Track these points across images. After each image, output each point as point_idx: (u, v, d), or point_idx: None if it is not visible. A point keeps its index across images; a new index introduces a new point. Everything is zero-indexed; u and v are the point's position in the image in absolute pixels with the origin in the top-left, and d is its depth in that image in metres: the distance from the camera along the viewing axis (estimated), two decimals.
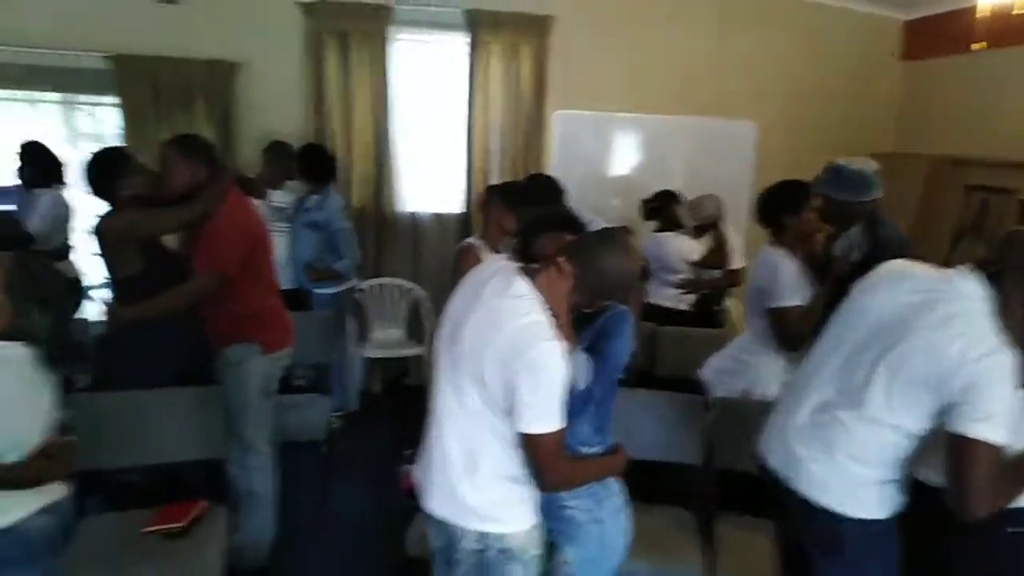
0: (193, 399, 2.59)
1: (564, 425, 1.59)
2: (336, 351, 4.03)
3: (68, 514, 1.84)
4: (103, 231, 2.59)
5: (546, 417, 1.55)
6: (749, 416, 2.39)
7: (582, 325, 1.71)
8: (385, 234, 4.69)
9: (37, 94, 4.41)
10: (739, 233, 4.06)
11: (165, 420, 2.56)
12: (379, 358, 4.65)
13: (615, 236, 1.68)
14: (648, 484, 2.27)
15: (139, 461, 2.58)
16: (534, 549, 1.71)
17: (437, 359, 1.75)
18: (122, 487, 3.04)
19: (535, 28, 4.48)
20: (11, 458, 1.64)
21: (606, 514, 1.79)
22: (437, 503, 1.73)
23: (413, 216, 4.77)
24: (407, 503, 3.23)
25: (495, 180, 4.62)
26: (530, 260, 1.75)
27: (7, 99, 4.41)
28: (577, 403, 1.66)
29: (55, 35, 4.17)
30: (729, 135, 4.84)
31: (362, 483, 3.65)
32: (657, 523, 2.45)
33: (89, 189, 2.64)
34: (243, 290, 2.64)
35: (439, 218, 4.82)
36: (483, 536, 1.66)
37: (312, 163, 3.90)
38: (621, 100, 4.73)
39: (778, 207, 2.54)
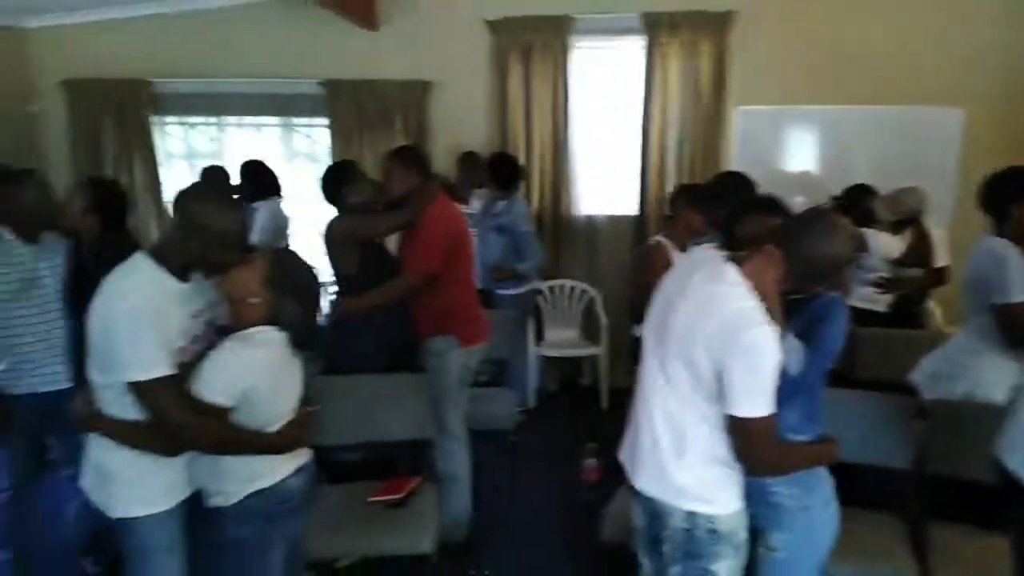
0: (403, 384, 2.85)
1: (774, 411, 1.59)
2: (517, 349, 4.22)
3: (313, 476, 2.11)
4: (329, 234, 2.94)
5: (757, 401, 1.57)
6: (971, 420, 2.23)
7: (793, 311, 1.71)
8: (562, 236, 4.84)
9: (261, 119, 5.06)
10: (942, 229, 3.75)
11: (379, 402, 2.83)
12: (555, 357, 4.79)
13: (824, 217, 1.65)
14: (849, 487, 2.19)
15: (356, 438, 2.86)
16: (743, 532, 1.73)
17: (645, 344, 1.81)
18: (339, 464, 3.41)
19: (714, 24, 4.43)
20: (273, 427, 1.91)
21: (815, 502, 1.77)
22: (645, 481, 1.78)
23: (589, 219, 4.89)
24: (588, 496, 3.36)
25: (671, 181, 4.62)
26: (735, 247, 1.77)
27: (237, 124, 5.10)
28: (787, 389, 1.65)
29: (275, 67, 4.78)
30: (929, 124, 4.47)
31: (546, 473, 3.79)
32: (863, 527, 2.34)
33: (322, 197, 3.01)
34: (445, 288, 2.88)
35: (613, 220, 4.90)
36: (691, 515, 1.70)
37: (501, 171, 4.13)
38: (806, 92, 4.52)
39: (1007, 194, 2.34)
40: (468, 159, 4.34)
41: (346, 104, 4.73)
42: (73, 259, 2.70)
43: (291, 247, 4.42)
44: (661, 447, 1.73)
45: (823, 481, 1.81)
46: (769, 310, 1.59)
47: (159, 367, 1.70)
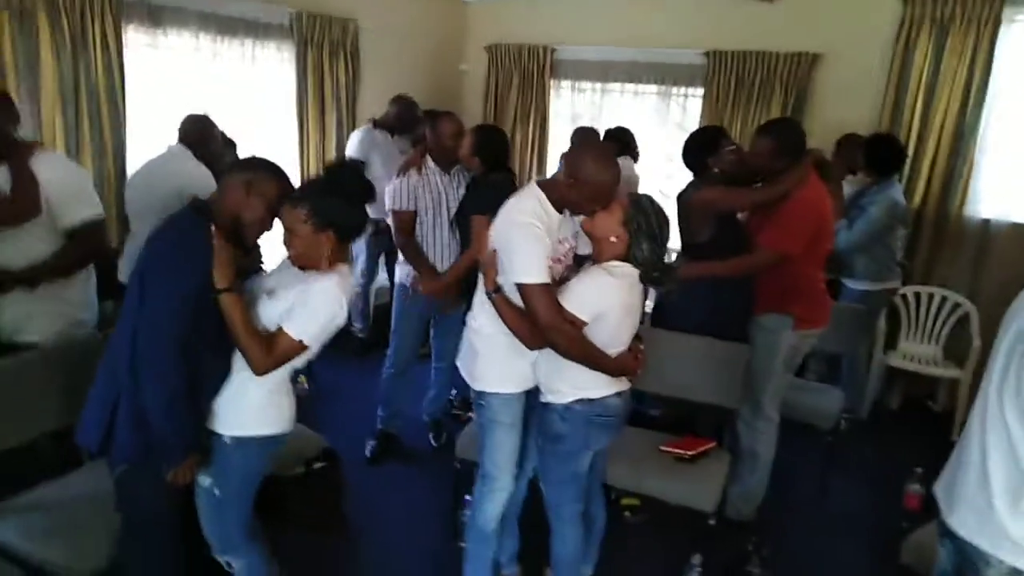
0: (721, 351, 2.87)
1: None
2: (855, 350, 3.88)
3: (628, 403, 2.30)
4: (685, 199, 3.03)
5: None
6: None
7: None
8: (943, 237, 4.23)
9: (640, 86, 5.34)
10: None
11: (694, 362, 2.91)
12: (904, 371, 4.26)
13: None
14: None
15: (663, 390, 3.01)
16: None
17: (991, 360, 1.57)
18: (642, 416, 3.59)
19: None
20: (611, 351, 2.13)
21: None
22: (961, 520, 1.56)
23: (985, 223, 4.17)
24: (901, 522, 3.01)
25: None
26: None
27: (616, 91, 5.46)
28: None
29: (662, 36, 5.00)
30: None
31: (860, 486, 3.50)
32: None
33: (684, 161, 3.06)
34: (795, 267, 2.77)
35: (1017, 229, 4.10)
36: (1019, 573, 1.45)
37: (877, 154, 3.75)
38: None
39: None
40: (848, 141, 4.01)
41: (725, 75, 4.74)
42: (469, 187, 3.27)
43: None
44: (992, 486, 1.48)
45: None
46: None
47: (541, 275, 2.03)
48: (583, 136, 4.64)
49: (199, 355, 1.82)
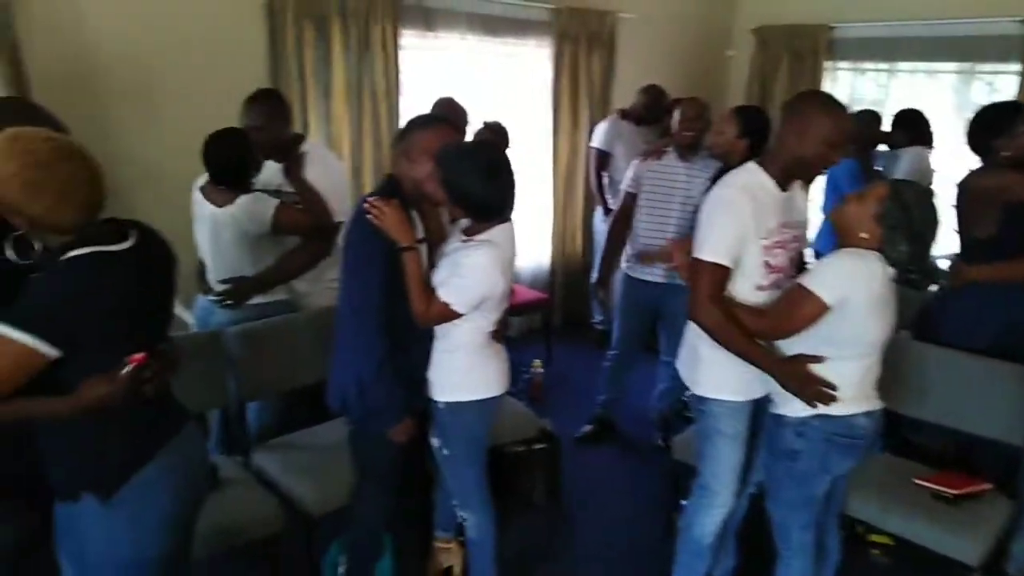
0: (1007, 375, 2.36)
1: None
2: None
3: (880, 425, 1.98)
4: (966, 188, 2.56)
5: None
6: None
7: None
8: None
9: (935, 65, 4.58)
10: None
11: (968, 387, 2.44)
12: None
13: None
14: None
15: (926, 417, 2.56)
16: None
17: None
18: (908, 443, 3.08)
19: None
20: (860, 350, 1.88)
21: None
22: None
23: None
24: None
25: None
26: None
27: (909, 71, 4.75)
28: None
29: (964, 4, 4.21)
30: None
31: None
32: None
33: (969, 143, 2.60)
34: None
35: None
36: None
37: None
38: None
39: None
40: None
41: None
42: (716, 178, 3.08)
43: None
44: None
45: None
46: None
47: (717, 254, 1.87)
48: (858, 118, 4.12)
49: (402, 323, 1.91)
